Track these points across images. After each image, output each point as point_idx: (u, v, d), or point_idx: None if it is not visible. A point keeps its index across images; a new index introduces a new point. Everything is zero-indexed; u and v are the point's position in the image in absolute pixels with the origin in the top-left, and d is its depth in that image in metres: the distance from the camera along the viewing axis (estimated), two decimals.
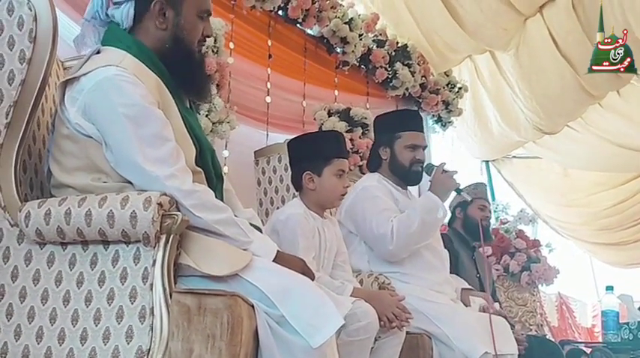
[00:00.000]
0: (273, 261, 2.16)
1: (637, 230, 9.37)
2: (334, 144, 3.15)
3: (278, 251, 2.20)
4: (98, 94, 2.03)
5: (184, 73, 2.23)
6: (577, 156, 8.55)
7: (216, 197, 2.21)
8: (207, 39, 2.34)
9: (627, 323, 5.05)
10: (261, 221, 3.41)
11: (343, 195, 3.16)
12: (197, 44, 2.26)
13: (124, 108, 2.02)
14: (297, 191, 3.19)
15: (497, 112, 7.66)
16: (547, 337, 5.78)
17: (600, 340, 5.78)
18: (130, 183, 2.05)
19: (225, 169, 3.91)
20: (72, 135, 2.07)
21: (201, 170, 2.23)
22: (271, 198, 3.78)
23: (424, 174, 3.63)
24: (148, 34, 2.20)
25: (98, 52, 2.19)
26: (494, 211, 6.66)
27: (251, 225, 2.27)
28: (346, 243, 3.40)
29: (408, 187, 3.72)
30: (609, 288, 5.35)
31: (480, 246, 4.36)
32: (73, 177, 2.06)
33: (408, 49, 5.91)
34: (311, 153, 3.12)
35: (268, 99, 4.67)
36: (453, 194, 3.60)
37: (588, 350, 5.40)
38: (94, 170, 2.06)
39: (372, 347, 2.86)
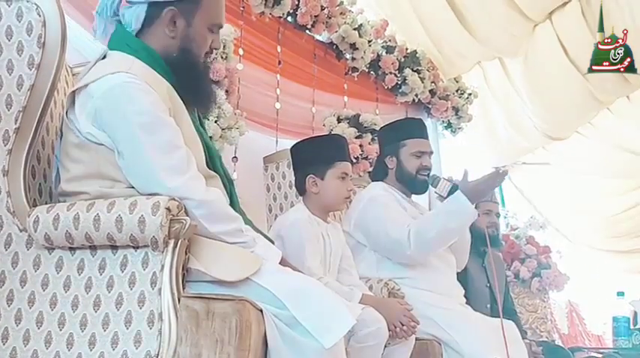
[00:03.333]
0: None
1: None
2: (336, 147, 3.18)
3: (282, 259, 2.20)
4: (108, 102, 2.03)
5: (188, 83, 2.20)
6: (587, 162, 8.52)
7: (232, 201, 2.23)
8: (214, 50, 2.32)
9: (638, 329, 5.02)
10: (270, 227, 3.43)
11: (347, 198, 3.17)
12: (203, 56, 2.25)
13: (135, 115, 2.02)
14: (300, 195, 3.21)
15: (506, 119, 7.65)
16: (557, 343, 5.74)
17: (611, 346, 5.75)
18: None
19: (234, 175, 3.92)
20: (82, 143, 2.07)
21: (216, 174, 2.24)
22: (280, 204, 3.77)
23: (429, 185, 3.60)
24: (156, 40, 2.18)
25: (104, 57, 2.18)
26: (505, 217, 6.63)
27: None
28: (354, 253, 3.39)
29: (413, 197, 3.71)
30: (620, 294, 5.32)
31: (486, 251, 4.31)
32: (82, 184, 2.06)
33: (417, 55, 5.90)
34: (313, 157, 3.14)
35: (278, 105, 4.67)
36: None
37: (599, 356, 5.37)
38: (105, 178, 2.06)
39: (382, 354, 2.86)
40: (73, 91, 2.11)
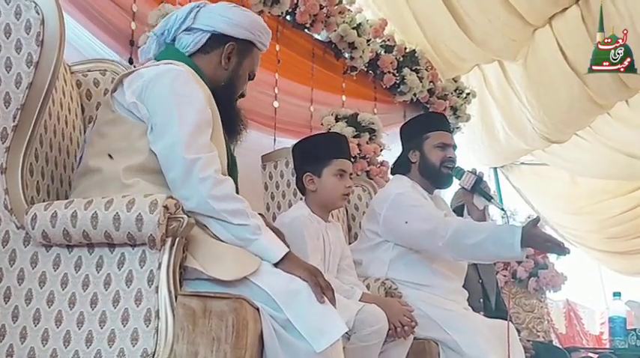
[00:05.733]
0: (283, 261, 2.13)
1: None
2: (333, 144, 3.18)
3: (289, 252, 2.17)
4: (157, 79, 2.17)
5: (224, 115, 2.37)
6: (585, 164, 8.53)
7: None
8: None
9: (635, 330, 5.01)
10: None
11: (346, 195, 3.15)
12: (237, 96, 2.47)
13: (177, 95, 2.16)
14: (302, 195, 3.22)
15: (505, 121, 7.65)
16: (554, 343, 5.75)
17: (608, 347, 5.75)
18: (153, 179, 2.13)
19: None
20: (117, 118, 2.18)
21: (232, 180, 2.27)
22: (278, 202, 3.77)
23: (454, 178, 3.53)
24: (209, 66, 2.38)
25: None
26: (502, 217, 6.62)
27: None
28: (370, 252, 3.39)
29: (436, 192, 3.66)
30: (617, 295, 5.31)
31: None
32: (103, 160, 2.14)
33: (416, 54, 5.90)
34: (310, 155, 3.15)
35: (276, 104, 4.68)
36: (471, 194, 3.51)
37: (595, 357, 5.37)
38: (130, 151, 2.14)
39: (379, 352, 2.86)
40: (122, 76, 2.23)
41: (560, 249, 3.17)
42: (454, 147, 3.55)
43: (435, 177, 3.50)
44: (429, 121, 3.67)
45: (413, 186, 3.48)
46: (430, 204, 3.45)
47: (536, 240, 3.16)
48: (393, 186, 3.55)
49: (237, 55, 2.41)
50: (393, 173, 3.70)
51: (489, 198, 3.42)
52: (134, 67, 3.20)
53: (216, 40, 2.37)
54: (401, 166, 3.60)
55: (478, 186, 3.44)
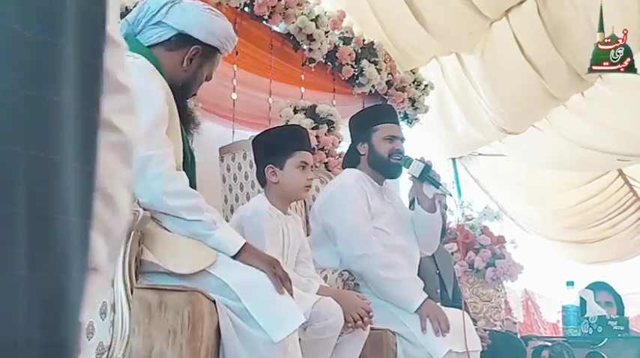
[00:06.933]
0: (240, 253, 2.14)
1: (600, 229, 9.55)
2: (295, 137, 3.13)
3: (246, 243, 2.18)
4: None
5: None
6: (541, 155, 8.58)
7: None
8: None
9: (587, 318, 5.05)
10: (226, 218, 3.39)
11: (307, 186, 3.11)
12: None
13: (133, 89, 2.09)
14: (262, 187, 3.16)
15: (462, 112, 7.68)
16: (511, 333, 5.78)
17: (562, 335, 5.79)
18: None
19: None
20: None
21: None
22: (236, 194, 3.72)
23: (403, 167, 3.52)
24: (169, 64, 2.33)
25: None
26: (460, 207, 6.63)
27: None
28: (318, 242, 3.35)
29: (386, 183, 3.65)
30: (570, 283, 5.35)
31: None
32: None
33: (374, 46, 5.82)
34: (273, 147, 3.09)
35: (234, 96, 4.59)
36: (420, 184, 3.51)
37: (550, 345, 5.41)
38: None
39: (336, 343, 2.84)
40: None
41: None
42: (402, 139, 3.55)
43: (384, 168, 3.51)
44: (378, 114, 3.65)
45: (358, 180, 3.46)
46: (366, 210, 3.39)
47: (432, 312, 3.23)
48: (339, 178, 3.58)
49: (200, 58, 2.38)
50: (343, 167, 3.69)
51: (437, 185, 3.42)
52: None
53: (183, 39, 2.34)
54: (350, 159, 3.60)
55: (426, 174, 3.41)
